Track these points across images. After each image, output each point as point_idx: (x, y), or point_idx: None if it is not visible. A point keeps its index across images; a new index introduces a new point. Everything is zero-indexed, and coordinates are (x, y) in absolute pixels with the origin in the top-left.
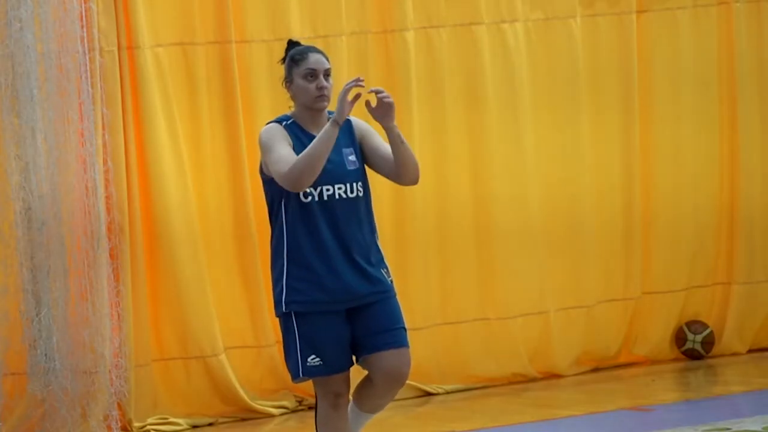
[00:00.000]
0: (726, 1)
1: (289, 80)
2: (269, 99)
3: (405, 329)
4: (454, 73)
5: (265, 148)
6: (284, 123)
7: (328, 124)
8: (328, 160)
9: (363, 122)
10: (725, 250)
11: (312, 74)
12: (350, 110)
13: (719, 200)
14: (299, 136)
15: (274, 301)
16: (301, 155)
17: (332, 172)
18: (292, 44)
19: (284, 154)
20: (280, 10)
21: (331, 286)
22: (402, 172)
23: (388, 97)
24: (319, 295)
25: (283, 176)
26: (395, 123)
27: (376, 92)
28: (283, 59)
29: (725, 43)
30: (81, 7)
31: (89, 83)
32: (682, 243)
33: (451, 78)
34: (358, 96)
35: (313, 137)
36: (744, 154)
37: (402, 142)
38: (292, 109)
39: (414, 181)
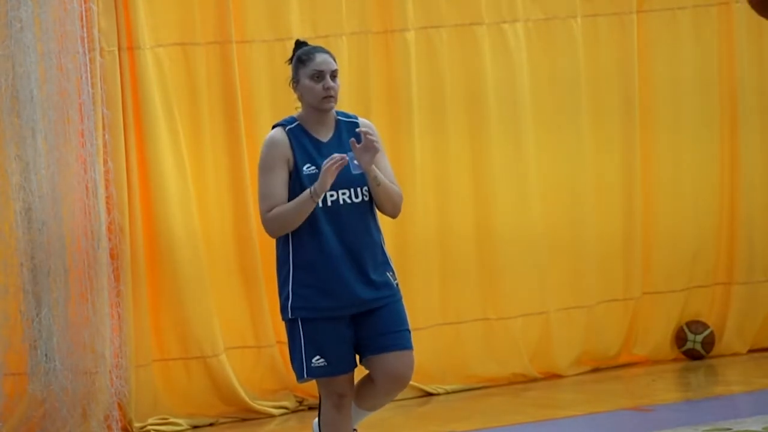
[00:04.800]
0: (726, 1)
1: (295, 80)
2: (270, 99)
3: (409, 332)
4: (454, 73)
5: (259, 169)
6: (288, 127)
7: (305, 195)
8: None
9: (372, 129)
10: (725, 250)
11: (318, 75)
12: (332, 181)
13: (719, 200)
14: (302, 140)
15: (280, 306)
16: (277, 213)
17: (337, 178)
18: (299, 44)
19: (271, 191)
20: (280, 10)
21: (337, 293)
22: (377, 206)
23: (377, 142)
24: (324, 301)
25: (261, 221)
26: (374, 166)
27: (366, 134)
28: (290, 59)
29: (726, 43)
30: (81, 7)
31: (89, 83)
32: (682, 243)
33: (452, 78)
34: (341, 165)
35: (317, 140)
36: (744, 153)
37: (378, 184)
38: (299, 110)
39: (390, 216)
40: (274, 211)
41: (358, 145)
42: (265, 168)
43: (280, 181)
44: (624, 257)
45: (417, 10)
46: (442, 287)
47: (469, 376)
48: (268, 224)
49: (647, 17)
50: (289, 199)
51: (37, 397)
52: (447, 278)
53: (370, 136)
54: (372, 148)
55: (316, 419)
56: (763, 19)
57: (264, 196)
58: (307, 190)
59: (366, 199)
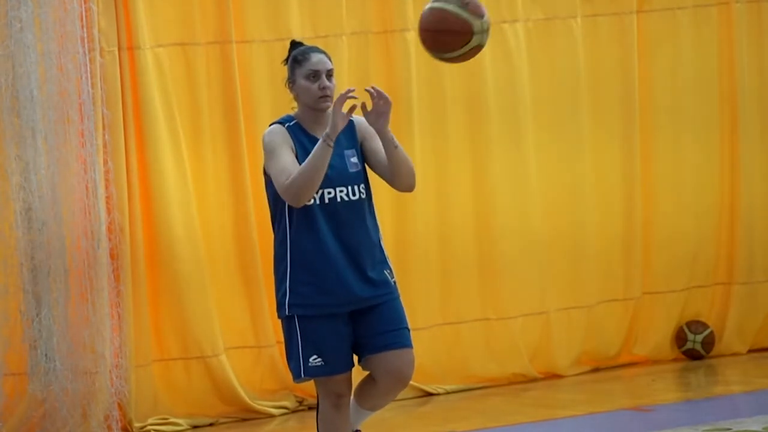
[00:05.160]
0: (726, 1)
1: (291, 81)
2: (270, 99)
3: (408, 330)
4: (454, 73)
5: (267, 154)
6: (287, 125)
7: (320, 142)
8: (329, 164)
9: (365, 123)
10: (725, 250)
11: (314, 74)
12: (344, 124)
13: (719, 200)
14: (301, 138)
15: (276, 303)
16: (297, 173)
17: (333, 176)
18: (294, 45)
19: (286, 164)
20: (280, 10)
21: (335, 290)
22: (395, 178)
23: (386, 96)
24: (322, 298)
25: (283, 192)
26: (389, 128)
27: (373, 91)
28: (286, 60)
29: (726, 43)
30: (81, 7)
31: (89, 83)
32: (682, 243)
33: (452, 78)
34: (353, 108)
35: (316, 139)
36: (744, 154)
37: (395, 146)
38: (295, 110)
39: (409, 188)
40: (293, 175)
41: (368, 110)
42: (272, 151)
43: (291, 156)
44: (624, 257)
45: (417, 10)
46: (442, 287)
47: (469, 376)
48: (290, 189)
49: (647, 17)
50: None
51: (37, 397)
52: (447, 278)
53: (379, 93)
54: (386, 106)
55: None
56: (763, 19)
57: (279, 171)
58: (321, 139)
59: (363, 196)
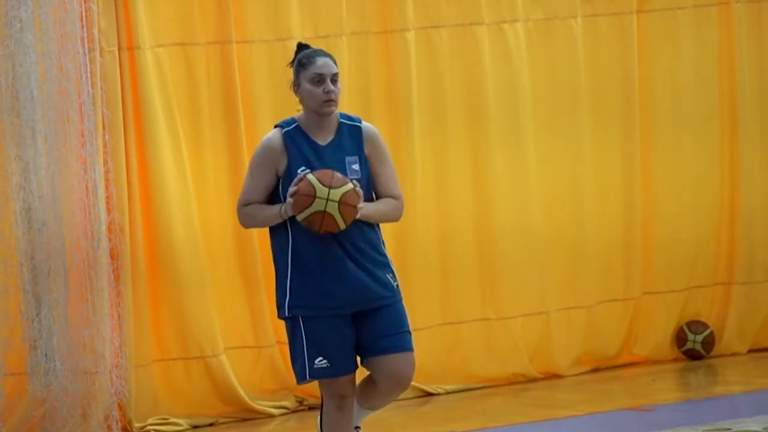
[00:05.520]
0: (726, 1)
1: (296, 84)
2: (270, 99)
3: (410, 333)
4: (454, 73)
5: (250, 163)
6: (285, 129)
7: (275, 211)
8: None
9: (375, 134)
10: (725, 250)
11: (319, 79)
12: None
13: (720, 200)
14: (299, 142)
15: (276, 304)
16: (250, 212)
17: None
18: (300, 47)
19: (253, 189)
20: (280, 10)
21: (336, 293)
22: None
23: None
24: (323, 300)
25: (237, 212)
26: (362, 208)
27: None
28: (292, 63)
29: (726, 43)
30: (81, 7)
31: (89, 83)
32: (682, 243)
33: (452, 78)
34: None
35: (315, 143)
36: (744, 153)
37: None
38: (300, 112)
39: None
40: (250, 208)
41: None
42: (253, 166)
43: (262, 185)
44: (624, 257)
45: (417, 10)
46: (442, 287)
47: (469, 376)
48: (241, 217)
49: (647, 17)
50: (282, 194)
51: (37, 397)
52: (447, 278)
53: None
54: None
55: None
56: (763, 19)
57: (245, 190)
58: (278, 206)
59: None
